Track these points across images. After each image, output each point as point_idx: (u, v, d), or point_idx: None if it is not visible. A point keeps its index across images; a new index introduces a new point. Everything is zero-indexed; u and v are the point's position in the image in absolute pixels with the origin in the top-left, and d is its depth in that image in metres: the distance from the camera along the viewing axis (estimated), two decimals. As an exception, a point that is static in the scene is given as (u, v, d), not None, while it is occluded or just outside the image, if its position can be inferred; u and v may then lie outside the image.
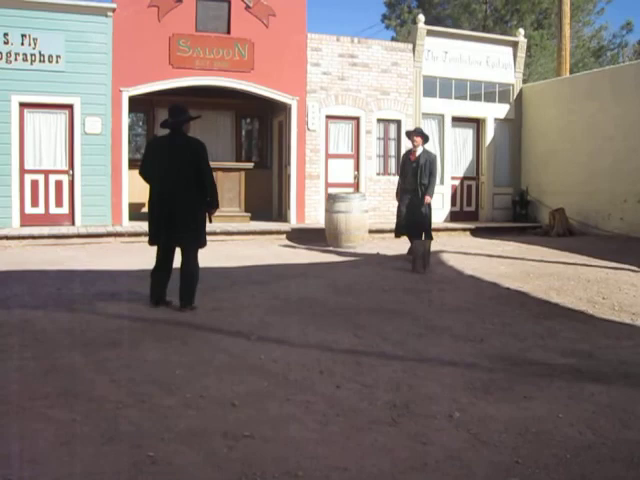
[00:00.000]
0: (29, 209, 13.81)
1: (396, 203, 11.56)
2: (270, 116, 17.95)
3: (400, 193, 11.25)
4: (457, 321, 6.70)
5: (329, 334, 6.10)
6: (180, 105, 7.17)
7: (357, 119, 16.31)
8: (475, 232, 16.00)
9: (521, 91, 18.30)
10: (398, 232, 11.36)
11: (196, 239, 6.96)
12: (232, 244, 13.10)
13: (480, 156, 18.02)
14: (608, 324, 6.68)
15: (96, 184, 14.03)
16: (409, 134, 11.36)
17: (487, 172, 17.93)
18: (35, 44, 13.46)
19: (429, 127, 17.00)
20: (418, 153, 10.98)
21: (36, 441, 3.59)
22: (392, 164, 16.77)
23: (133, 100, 14.55)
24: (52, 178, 13.98)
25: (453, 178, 17.58)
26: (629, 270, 10.07)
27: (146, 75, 14.34)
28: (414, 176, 10.85)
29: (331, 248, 12.68)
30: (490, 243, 14.02)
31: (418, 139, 11.05)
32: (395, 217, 11.51)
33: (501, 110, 18.08)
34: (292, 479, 3.21)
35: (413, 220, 10.86)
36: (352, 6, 61.34)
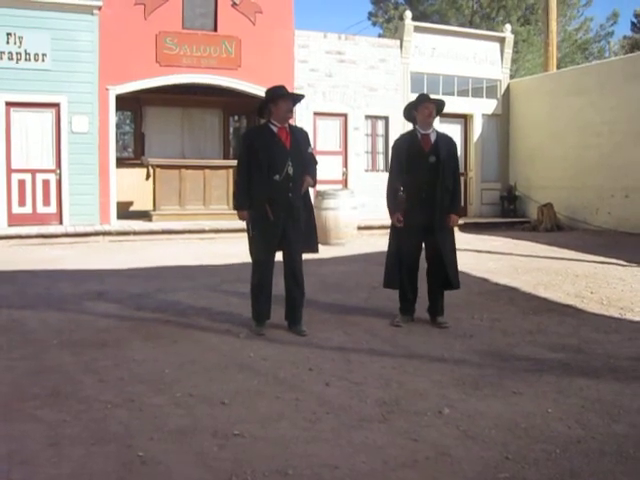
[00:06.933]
0: (16, 209, 13.73)
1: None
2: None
3: (404, 209, 6.34)
4: (446, 317, 6.70)
5: (318, 331, 6.10)
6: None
7: (345, 115, 16.32)
8: (463, 228, 15.99)
9: (508, 87, 18.36)
10: (398, 283, 6.74)
11: None
12: (221, 242, 13.07)
13: (468, 152, 18.06)
14: (596, 318, 6.71)
15: (84, 183, 13.96)
16: (414, 106, 6.30)
17: (475, 168, 17.98)
18: (20, 43, 13.38)
19: (417, 123, 17.00)
20: (434, 138, 6.29)
21: (25, 442, 3.57)
22: (380, 160, 16.79)
23: (120, 98, 14.50)
24: (39, 177, 13.90)
25: (441, 174, 17.55)
26: (617, 264, 10.12)
27: (133, 73, 14.28)
28: (433, 179, 6.17)
29: (320, 245, 12.63)
30: (478, 239, 14.04)
31: (433, 111, 6.26)
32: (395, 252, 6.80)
33: (489, 106, 18.13)
34: (282, 477, 3.21)
35: (439, 261, 6.51)
36: (338, 3, 61.61)
